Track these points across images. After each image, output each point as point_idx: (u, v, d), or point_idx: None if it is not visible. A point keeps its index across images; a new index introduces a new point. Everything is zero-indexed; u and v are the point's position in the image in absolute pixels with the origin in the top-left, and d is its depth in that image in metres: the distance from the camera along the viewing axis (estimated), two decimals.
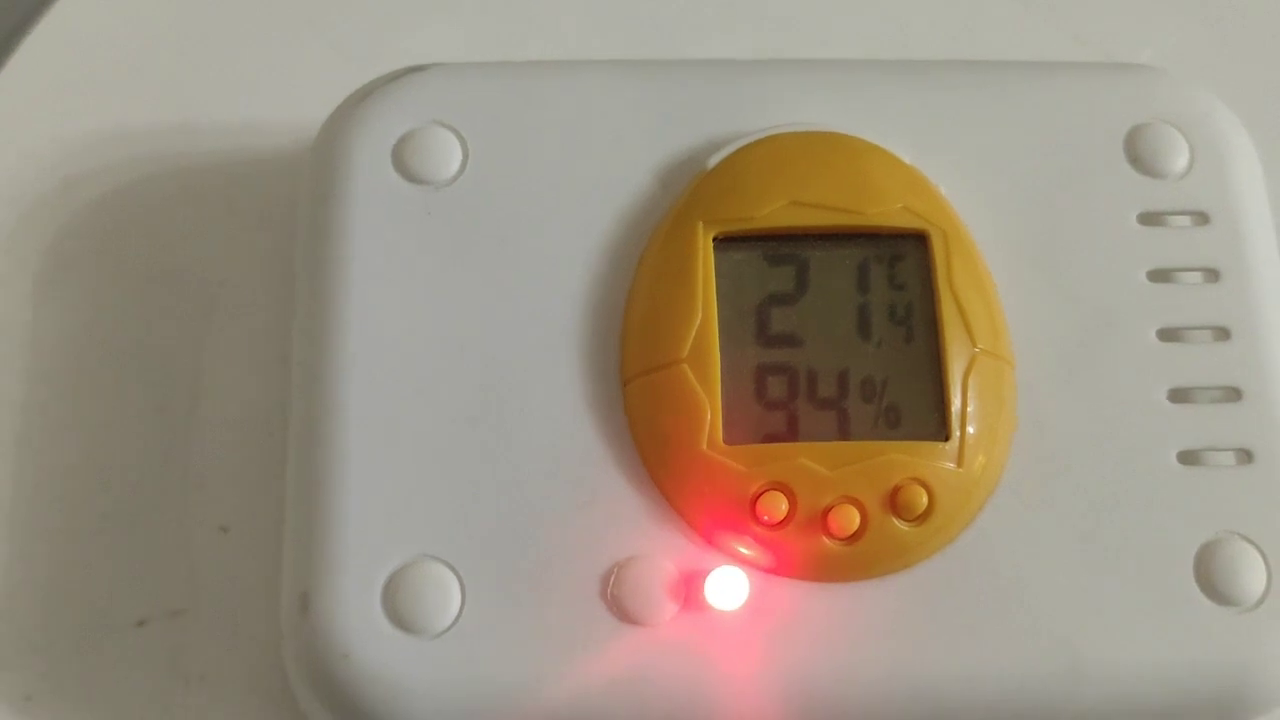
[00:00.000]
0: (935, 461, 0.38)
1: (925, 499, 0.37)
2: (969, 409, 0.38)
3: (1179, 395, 0.40)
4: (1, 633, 0.41)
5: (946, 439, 0.38)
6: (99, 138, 0.46)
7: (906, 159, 0.40)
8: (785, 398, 0.38)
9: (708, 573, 0.37)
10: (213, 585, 0.41)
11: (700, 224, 0.39)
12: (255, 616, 0.41)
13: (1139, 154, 0.42)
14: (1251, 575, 0.38)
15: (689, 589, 0.37)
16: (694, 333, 0.38)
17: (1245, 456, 0.39)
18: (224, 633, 0.41)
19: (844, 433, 0.38)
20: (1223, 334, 0.40)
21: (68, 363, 0.43)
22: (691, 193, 0.40)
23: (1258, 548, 0.38)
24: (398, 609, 0.37)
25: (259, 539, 0.41)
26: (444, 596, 0.37)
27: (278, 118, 0.46)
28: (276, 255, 0.44)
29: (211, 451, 0.43)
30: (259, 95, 0.46)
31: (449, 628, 0.37)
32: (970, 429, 0.38)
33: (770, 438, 0.38)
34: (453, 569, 0.37)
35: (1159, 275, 0.41)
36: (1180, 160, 0.42)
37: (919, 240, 0.39)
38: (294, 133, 0.44)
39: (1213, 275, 0.41)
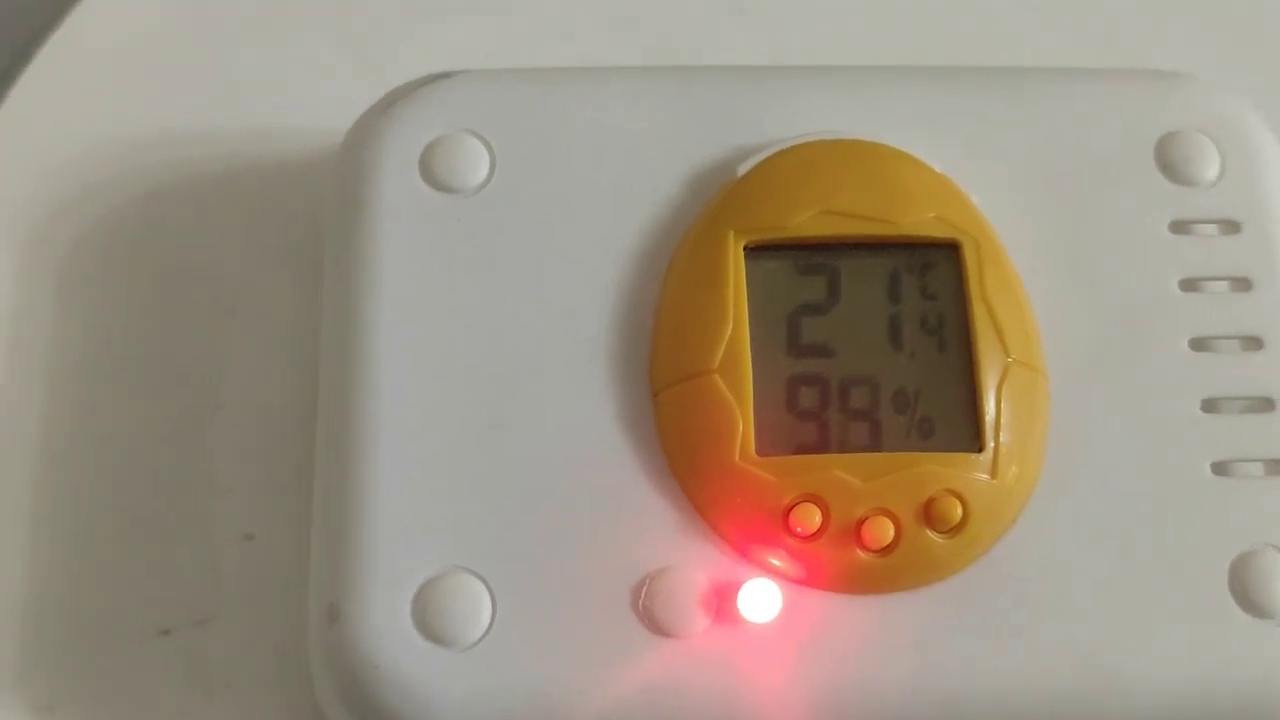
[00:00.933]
0: (969, 473, 0.38)
1: (959, 511, 0.37)
2: (1002, 420, 0.38)
3: (1211, 405, 0.40)
4: (24, 641, 0.41)
5: (980, 450, 0.38)
6: (120, 144, 0.46)
7: (938, 167, 0.40)
8: (817, 408, 0.38)
9: (740, 585, 0.37)
10: (237, 593, 0.41)
11: (731, 233, 0.39)
12: (280, 625, 0.40)
13: (1170, 162, 0.41)
14: None
15: (721, 601, 0.37)
16: (725, 342, 0.38)
17: (1278, 467, 0.39)
18: (248, 642, 0.41)
19: (877, 444, 0.38)
20: (1255, 344, 0.40)
21: (90, 370, 0.43)
22: (721, 201, 0.40)
23: None
24: (428, 620, 0.37)
25: (284, 547, 0.41)
26: (474, 608, 0.37)
27: (299, 123, 0.46)
28: (298, 261, 0.44)
29: (235, 459, 0.42)
30: (280, 101, 0.46)
31: (480, 639, 0.37)
32: (1004, 440, 0.38)
33: (803, 449, 0.38)
34: (483, 580, 0.37)
35: (1190, 284, 0.41)
36: (1212, 168, 0.41)
37: (951, 249, 0.39)
38: (315, 138, 0.44)
39: (1244, 284, 0.41)
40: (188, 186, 0.45)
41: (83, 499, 0.42)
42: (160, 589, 0.41)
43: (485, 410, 0.38)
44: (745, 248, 0.39)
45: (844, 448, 0.38)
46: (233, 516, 0.42)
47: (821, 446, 0.38)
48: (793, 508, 0.37)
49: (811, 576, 0.37)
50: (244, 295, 0.44)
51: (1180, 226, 0.41)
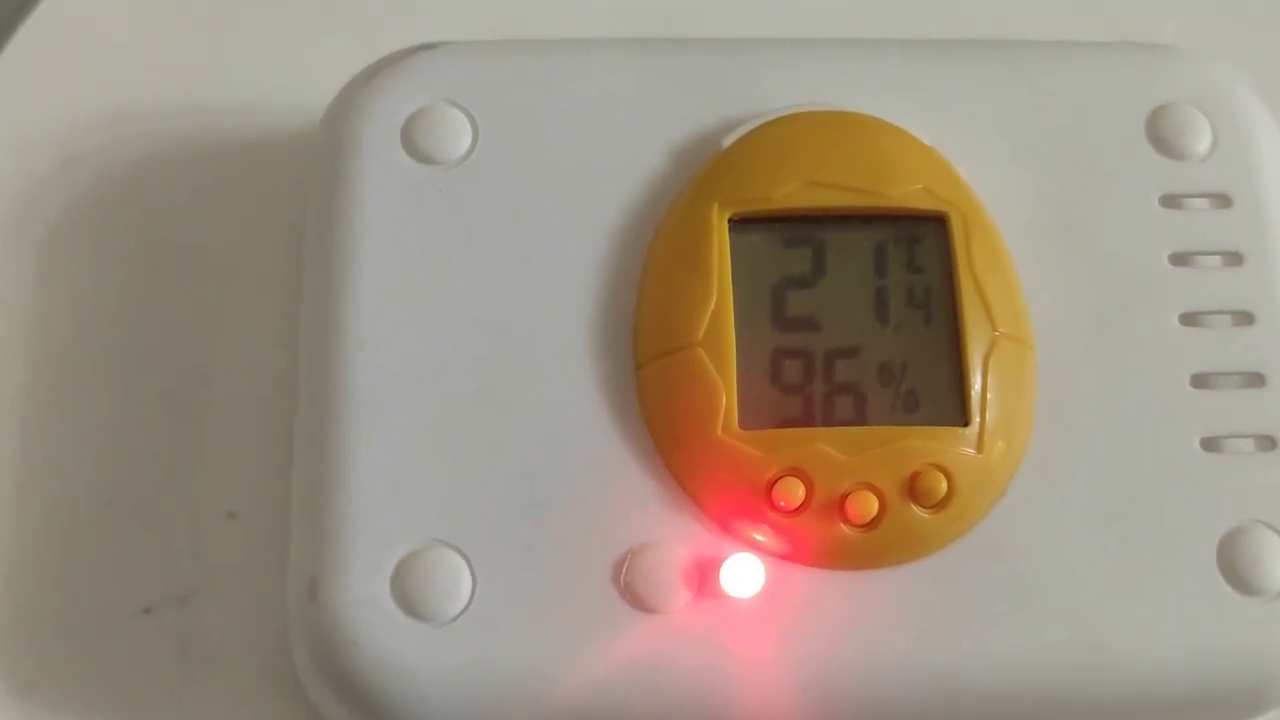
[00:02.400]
0: (955, 447, 0.37)
1: (945, 485, 0.37)
2: (989, 394, 0.38)
3: (1201, 381, 0.39)
4: (5, 618, 0.41)
5: (966, 424, 0.38)
6: (104, 117, 0.45)
7: (925, 139, 0.40)
8: (802, 382, 0.38)
9: (722, 560, 0.37)
10: (220, 571, 0.41)
11: (715, 205, 0.39)
12: (263, 603, 0.40)
13: (1161, 135, 0.41)
14: (1276, 564, 0.38)
15: (703, 576, 0.37)
16: (709, 316, 0.38)
17: (1268, 443, 0.39)
18: (231, 619, 0.41)
19: (862, 418, 0.38)
20: (1245, 318, 0.40)
21: (73, 345, 0.43)
22: (706, 173, 0.39)
23: None
24: (407, 595, 0.37)
25: (267, 524, 0.41)
26: (454, 583, 0.37)
27: (285, 96, 0.45)
28: (284, 236, 0.43)
29: (219, 436, 0.42)
30: (267, 74, 0.46)
31: (459, 614, 0.37)
32: (990, 414, 0.38)
33: (787, 422, 0.38)
34: (463, 555, 0.37)
35: (1181, 258, 0.40)
36: (1203, 142, 0.41)
37: (938, 222, 0.39)
38: (302, 112, 0.44)
39: (1235, 259, 0.40)
40: (174, 162, 0.45)
41: (65, 476, 0.42)
42: (142, 566, 0.41)
43: (466, 383, 0.38)
44: (730, 220, 0.39)
45: (828, 421, 0.38)
46: (215, 494, 0.42)
47: (806, 420, 0.38)
48: (776, 482, 0.37)
49: (795, 551, 0.37)
50: (230, 272, 0.44)
51: (1171, 200, 0.41)
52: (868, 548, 0.37)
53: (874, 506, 0.37)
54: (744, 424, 0.37)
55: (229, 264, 0.44)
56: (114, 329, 0.43)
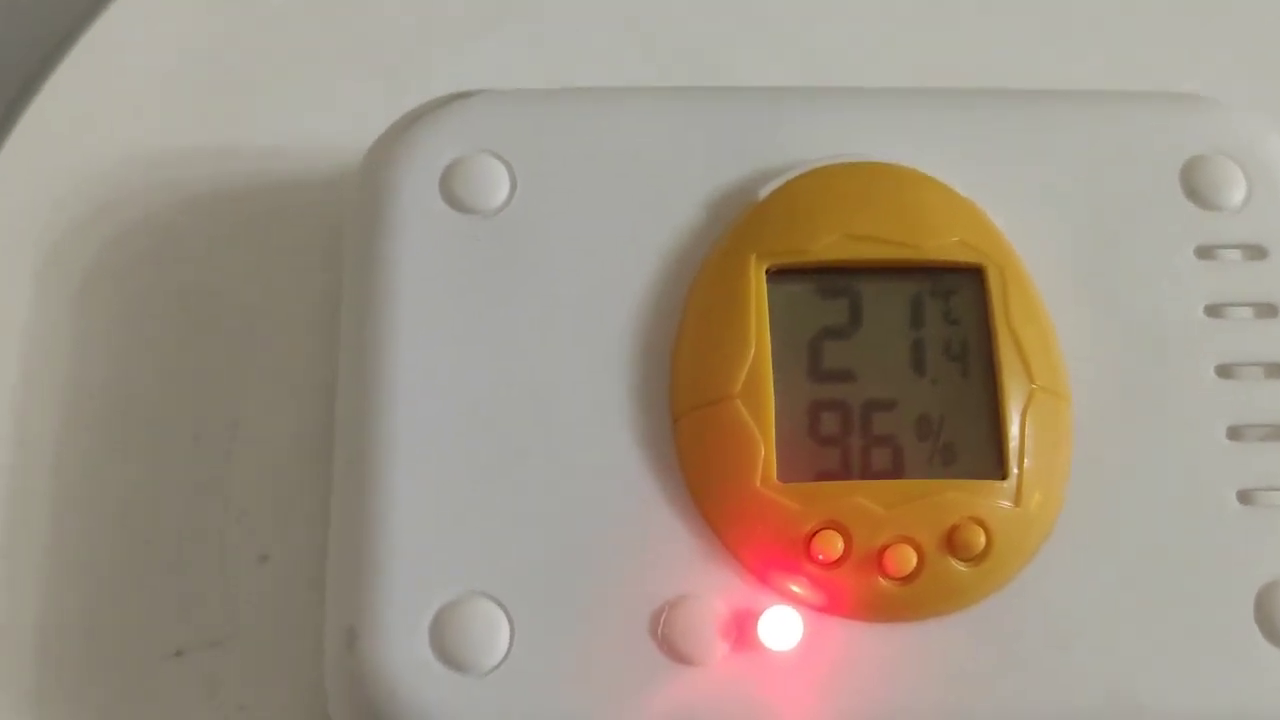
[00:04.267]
0: (993, 500, 0.37)
1: (983, 539, 0.37)
2: (1026, 447, 0.38)
3: (1237, 433, 0.39)
4: (40, 662, 0.41)
5: (1004, 477, 0.38)
6: (138, 161, 0.46)
7: (961, 191, 0.40)
8: (839, 434, 0.38)
9: (760, 612, 0.37)
10: (252, 615, 0.41)
11: (752, 256, 0.39)
12: (295, 648, 0.40)
13: (1195, 186, 0.41)
14: None
15: (740, 628, 0.37)
16: (747, 367, 0.38)
17: None
18: (263, 664, 0.41)
19: (899, 471, 0.38)
20: None
21: (105, 389, 0.43)
22: (743, 224, 0.39)
23: None
24: (446, 646, 0.37)
25: (299, 569, 0.41)
26: (493, 633, 0.37)
27: (319, 142, 0.45)
28: (316, 281, 0.44)
29: (250, 480, 0.42)
30: (300, 119, 0.46)
31: (497, 665, 0.36)
32: (1028, 467, 0.38)
33: (825, 475, 0.38)
34: (501, 605, 0.37)
35: (1215, 310, 0.40)
36: (1237, 193, 0.41)
37: (974, 274, 0.39)
38: (336, 157, 0.44)
39: (1270, 310, 0.40)
40: (208, 205, 0.45)
41: (98, 519, 0.42)
42: (175, 610, 0.41)
43: (504, 433, 0.38)
44: (767, 271, 0.39)
45: (866, 474, 0.38)
46: (248, 538, 0.42)
47: (844, 473, 0.38)
48: (814, 535, 0.37)
49: (833, 604, 0.37)
50: (262, 315, 0.44)
51: (1206, 252, 0.41)
52: (906, 601, 0.37)
53: (912, 560, 0.37)
54: (782, 476, 0.37)
55: (260, 309, 0.44)
56: (146, 373, 0.43)
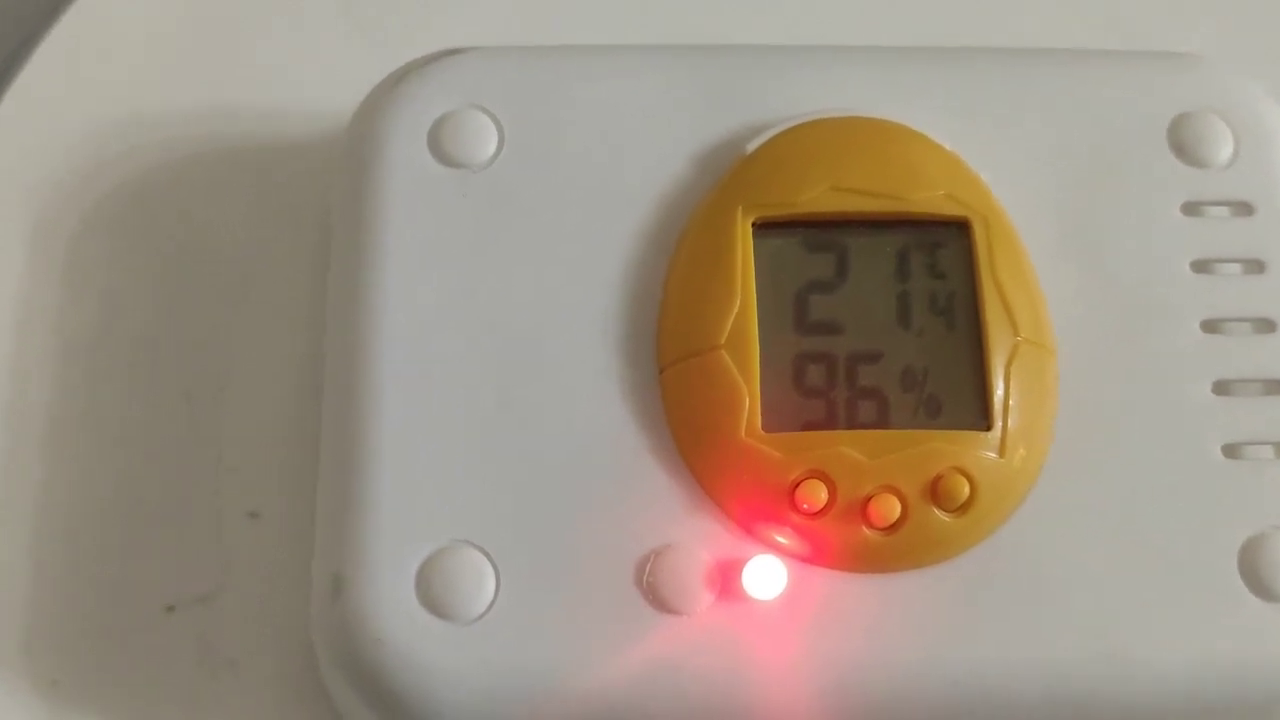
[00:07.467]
0: (977, 451, 0.37)
1: (967, 489, 0.37)
2: (1011, 399, 0.38)
3: (1222, 388, 0.39)
4: (30, 616, 0.41)
5: (988, 429, 0.38)
6: (129, 122, 0.46)
7: (948, 146, 0.40)
8: (825, 386, 0.38)
9: (744, 562, 0.37)
10: (242, 570, 0.41)
11: (739, 209, 0.39)
12: (285, 602, 0.40)
13: (1183, 143, 0.41)
14: None
15: (725, 578, 0.37)
16: (733, 319, 0.38)
17: None
18: (253, 618, 0.41)
19: (884, 421, 0.38)
20: (1267, 326, 0.40)
21: (96, 348, 0.43)
22: (730, 178, 0.40)
23: None
24: (432, 594, 0.37)
25: (289, 524, 0.41)
26: (478, 582, 0.37)
27: (309, 103, 0.45)
28: (307, 240, 0.44)
29: (241, 436, 0.42)
30: (291, 79, 0.46)
31: (483, 614, 0.37)
32: (1012, 419, 0.38)
33: (810, 425, 0.38)
34: (487, 555, 0.37)
35: (1202, 266, 0.40)
36: (1224, 150, 0.41)
37: (961, 228, 0.39)
38: (325, 117, 0.44)
39: (1257, 266, 0.40)
40: (198, 166, 0.45)
41: (88, 475, 0.42)
42: (165, 565, 0.41)
43: (491, 385, 0.38)
44: (754, 224, 0.39)
45: (851, 424, 0.38)
46: (238, 494, 0.42)
47: (829, 423, 0.38)
48: (799, 484, 0.37)
49: (817, 554, 0.37)
50: (252, 275, 0.44)
51: (1192, 208, 0.41)
52: (889, 550, 0.37)
53: (896, 509, 0.37)
54: (767, 427, 0.37)
55: (252, 267, 0.44)
56: (138, 330, 0.43)
